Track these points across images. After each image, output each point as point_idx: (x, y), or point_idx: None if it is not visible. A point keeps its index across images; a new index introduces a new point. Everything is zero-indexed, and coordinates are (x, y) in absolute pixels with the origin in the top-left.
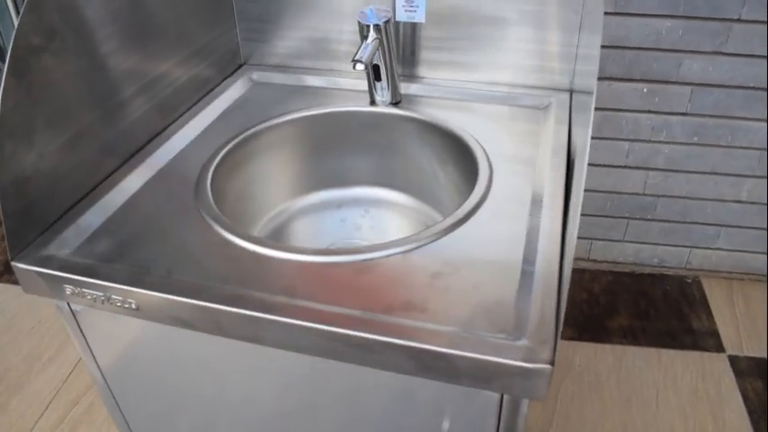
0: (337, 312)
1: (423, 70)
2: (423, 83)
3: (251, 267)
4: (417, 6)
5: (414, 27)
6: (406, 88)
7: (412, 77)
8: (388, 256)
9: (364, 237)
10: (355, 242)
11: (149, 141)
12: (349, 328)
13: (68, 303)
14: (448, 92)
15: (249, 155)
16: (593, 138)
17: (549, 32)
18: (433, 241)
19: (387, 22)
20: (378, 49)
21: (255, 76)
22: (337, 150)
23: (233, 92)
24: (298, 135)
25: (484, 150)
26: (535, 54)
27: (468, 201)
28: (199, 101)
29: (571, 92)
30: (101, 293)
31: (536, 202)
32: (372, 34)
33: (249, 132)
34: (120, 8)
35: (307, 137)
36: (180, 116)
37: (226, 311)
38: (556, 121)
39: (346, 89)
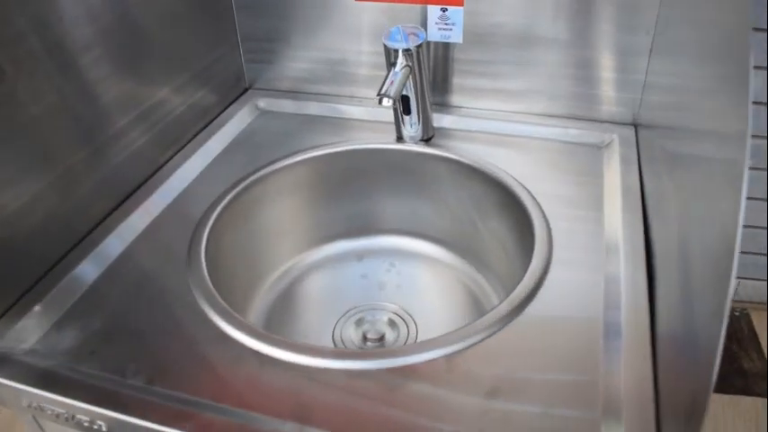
0: None
1: (458, 99)
2: (458, 114)
3: (253, 376)
4: (454, 24)
5: (448, 48)
6: (438, 120)
7: (445, 107)
8: (428, 361)
9: (390, 298)
10: (380, 305)
11: (147, 180)
12: None
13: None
14: (488, 125)
15: (255, 202)
16: None
17: (608, 56)
18: (487, 337)
19: (419, 46)
20: (408, 78)
21: (262, 103)
22: (358, 194)
23: (237, 122)
24: (312, 177)
25: (535, 201)
26: (591, 81)
27: (526, 277)
28: (200, 131)
29: (635, 126)
30: (63, 411)
31: (612, 256)
32: (401, 60)
33: (254, 177)
34: (109, 27)
35: (322, 179)
36: (180, 149)
37: None
38: (623, 160)
39: (367, 120)
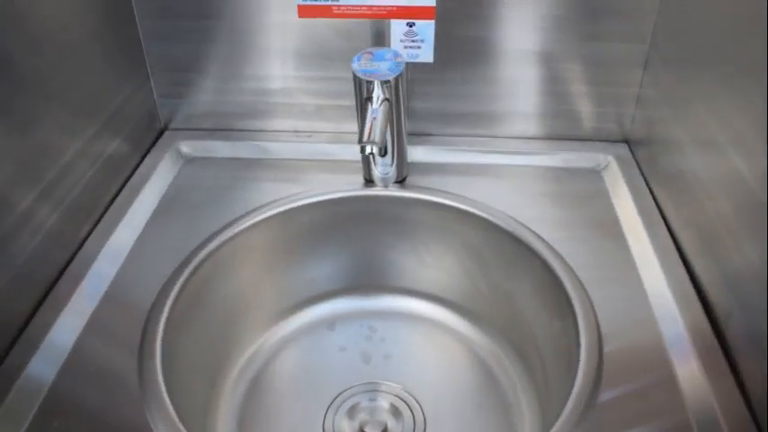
0: None
1: (431, 126)
2: (432, 143)
3: None
4: (423, 41)
5: (416, 68)
6: (411, 152)
7: (418, 136)
8: None
9: (380, 373)
10: (371, 384)
11: (68, 264)
12: None
13: None
14: (467, 155)
15: (207, 282)
16: None
17: (597, 69)
18: None
19: (399, 75)
20: (389, 115)
21: (185, 147)
22: (323, 253)
23: (161, 176)
24: (268, 240)
25: (547, 244)
26: (576, 97)
27: (582, 354)
28: (118, 193)
29: (627, 142)
30: None
31: (661, 305)
32: (379, 93)
33: (204, 252)
34: None
35: (281, 240)
36: (99, 220)
37: None
38: (629, 183)
39: (323, 159)
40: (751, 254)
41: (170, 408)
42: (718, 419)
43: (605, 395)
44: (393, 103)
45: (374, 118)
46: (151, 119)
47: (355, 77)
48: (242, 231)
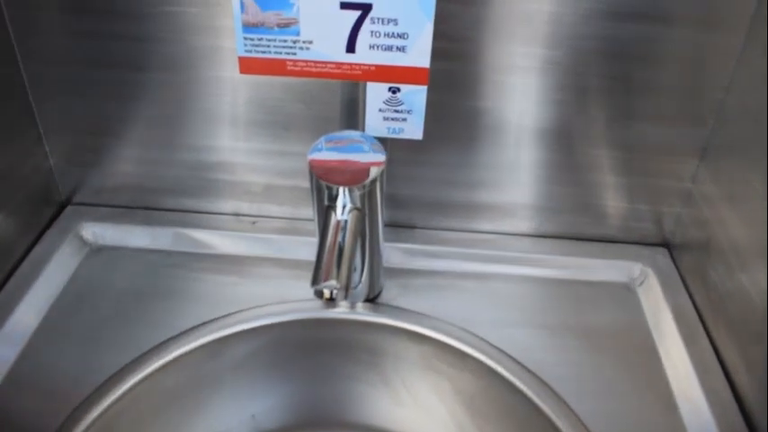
0: None
1: (414, 217)
2: (416, 240)
3: None
4: (409, 111)
5: (399, 145)
6: (387, 253)
7: (397, 229)
8: None
9: None
10: None
11: None
12: None
13: None
14: (460, 262)
15: None
16: None
17: (630, 155)
18: None
19: (375, 179)
20: (358, 231)
21: (88, 233)
22: (266, 383)
23: (55, 273)
24: (192, 378)
25: (564, 404)
26: (602, 188)
27: None
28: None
29: (668, 246)
30: None
31: None
32: (345, 202)
33: (102, 406)
34: None
35: (207, 376)
36: None
37: None
38: (674, 309)
39: (268, 257)
40: None
41: None
42: None
43: None
44: (366, 213)
45: (337, 240)
46: (47, 191)
47: (312, 178)
48: (154, 372)
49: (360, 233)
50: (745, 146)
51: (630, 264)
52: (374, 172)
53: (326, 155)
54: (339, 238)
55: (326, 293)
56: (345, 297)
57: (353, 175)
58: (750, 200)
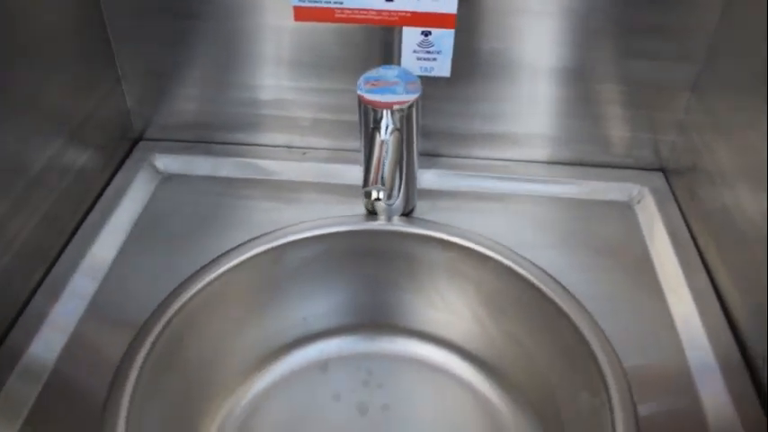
0: None
1: (442, 146)
2: (443, 166)
3: None
4: (439, 52)
5: (429, 82)
6: (419, 177)
7: (427, 157)
8: None
9: (378, 428)
10: None
11: (28, 302)
12: None
13: None
14: (483, 183)
15: (180, 339)
16: None
17: (633, 90)
18: None
19: (413, 103)
20: (400, 147)
21: (161, 163)
22: (315, 290)
23: (134, 197)
24: (257, 278)
25: (574, 299)
26: (608, 120)
27: None
28: (85, 217)
29: (664, 171)
30: None
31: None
32: (388, 123)
33: (182, 299)
34: None
35: (267, 280)
36: (62, 251)
37: None
38: (666, 222)
39: (317, 181)
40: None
41: None
42: None
43: None
44: (404, 133)
45: (383, 155)
46: (124, 130)
47: (360, 104)
48: (224, 273)
49: (399, 151)
50: (729, 81)
51: (630, 185)
52: (412, 97)
53: (370, 84)
54: (383, 154)
55: (374, 194)
56: (388, 198)
57: (395, 101)
58: (733, 128)
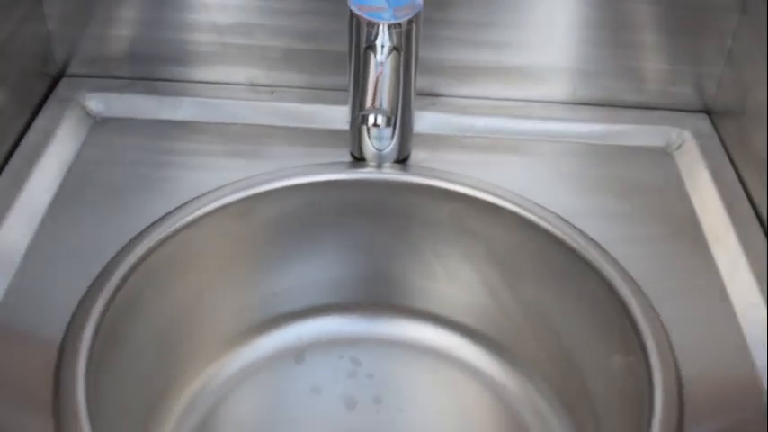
0: None
1: (440, 83)
2: (441, 108)
3: None
4: None
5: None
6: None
7: (422, 97)
8: None
9: (368, 426)
10: None
11: None
12: None
13: None
14: (490, 124)
15: (134, 305)
16: None
17: (669, 11)
18: None
19: (413, 18)
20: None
21: (95, 103)
22: (290, 255)
23: (62, 145)
24: (218, 241)
25: (596, 244)
26: (640, 50)
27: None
28: (5, 163)
29: (709, 113)
30: None
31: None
32: (385, 41)
33: (128, 261)
34: None
35: (233, 241)
36: None
37: None
38: (712, 170)
39: (289, 126)
40: None
41: None
42: None
43: None
44: (403, 55)
45: (380, 75)
46: (43, 60)
47: (352, 17)
48: (183, 227)
49: (398, 76)
50: None
51: (668, 128)
52: (413, 11)
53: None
54: (381, 74)
55: (371, 120)
56: (390, 124)
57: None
58: None
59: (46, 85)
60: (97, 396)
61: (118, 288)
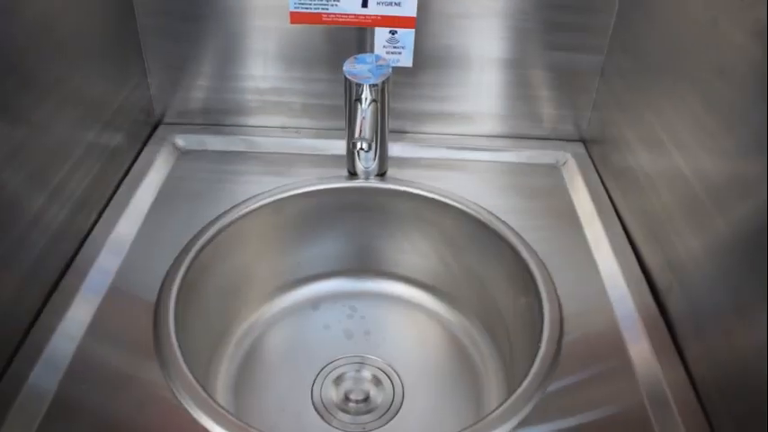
0: None
1: (407, 124)
2: (408, 141)
3: None
4: (403, 47)
5: (395, 72)
6: (389, 149)
7: (394, 133)
8: None
9: (362, 347)
10: (354, 357)
11: (72, 259)
12: None
13: None
14: (440, 151)
15: (206, 266)
16: None
17: (558, 76)
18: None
19: (386, 79)
20: (376, 115)
21: (181, 141)
22: (309, 237)
23: (159, 169)
24: (261, 227)
25: (515, 232)
26: (538, 101)
27: (546, 323)
28: (120, 183)
29: (584, 141)
30: None
31: (615, 286)
32: (367, 95)
33: (201, 241)
34: None
35: (271, 228)
36: (101, 215)
37: None
38: (584, 178)
39: (309, 153)
40: (689, 239)
41: (183, 364)
42: (662, 384)
43: (565, 363)
44: (379, 104)
45: (364, 117)
46: (147, 114)
47: (346, 81)
48: (236, 220)
49: (376, 117)
50: (623, 70)
51: (557, 152)
52: (384, 76)
53: (352, 66)
54: (364, 117)
55: (359, 145)
56: (368, 149)
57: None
58: (628, 106)
59: (149, 130)
60: (184, 330)
61: (194, 259)
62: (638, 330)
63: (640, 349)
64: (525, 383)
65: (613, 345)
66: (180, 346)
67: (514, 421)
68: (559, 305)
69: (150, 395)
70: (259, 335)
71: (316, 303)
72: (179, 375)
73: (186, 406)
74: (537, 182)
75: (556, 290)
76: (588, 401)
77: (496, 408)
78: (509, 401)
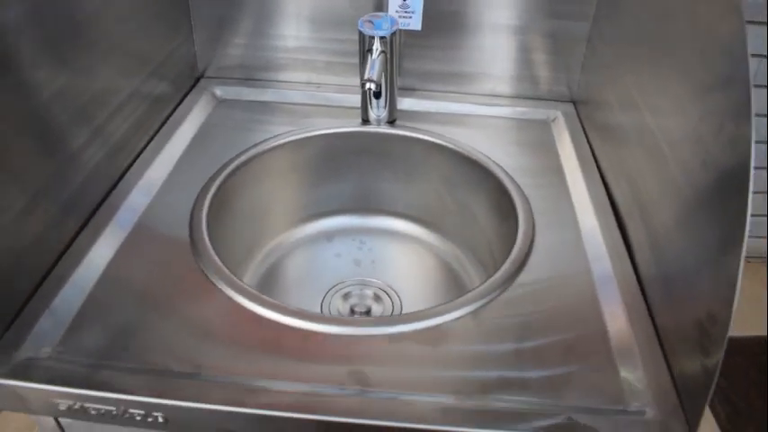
0: (430, 402)
1: (416, 82)
2: (416, 96)
3: (299, 350)
4: (413, 12)
5: (407, 34)
6: (399, 102)
7: (404, 90)
8: (457, 319)
9: (368, 273)
10: (361, 280)
11: (113, 188)
12: (453, 425)
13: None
14: (445, 106)
15: (233, 193)
16: None
17: (551, 42)
18: (502, 293)
19: (393, 33)
20: (384, 64)
21: (219, 91)
22: (325, 177)
23: (197, 114)
24: (283, 163)
25: (506, 172)
26: (534, 64)
27: (518, 240)
28: (160, 128)
29: (574, 102)
30: (113, 408)
31: (585, 216)
32: (377, 47)
33: (231, 167)
34: (36, 21)
35: (293, 165)
36: (142, 151)
37: (296, 420)
38: (571, 133)
39: (329, 105)
40: (650, 181)
41: (216, 258)
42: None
43: (533, 263)
44: (388, 56)
45: (373, 63)
46: (191, 68)
47: (360, 34)
48: (260, 153)
49: (384, 66)
50: (609, 36)
51: (549, 110)
52: (392, 29)
53: (366, 24)
54: (374, 62)
55: (367, 86)
56: (378, 90)
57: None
58: (611, 69)
59: (192, 82)
60: (213, 233)
61: (218, 189)
62: (599, 243)
63: (599, 254)
64: (497, 274)
65: (576, 255)
66: (212, 245)
67: (486, 299)
68: (533, 224)
69: (188, 283)
70: (279, 257)
71: (330, 236)
72: (211, 262)
73: (214, 281)
74: (529, 135)
75: (532, 214)
76: (548, 292)
77: (472, 289)
78: (483, 285)
